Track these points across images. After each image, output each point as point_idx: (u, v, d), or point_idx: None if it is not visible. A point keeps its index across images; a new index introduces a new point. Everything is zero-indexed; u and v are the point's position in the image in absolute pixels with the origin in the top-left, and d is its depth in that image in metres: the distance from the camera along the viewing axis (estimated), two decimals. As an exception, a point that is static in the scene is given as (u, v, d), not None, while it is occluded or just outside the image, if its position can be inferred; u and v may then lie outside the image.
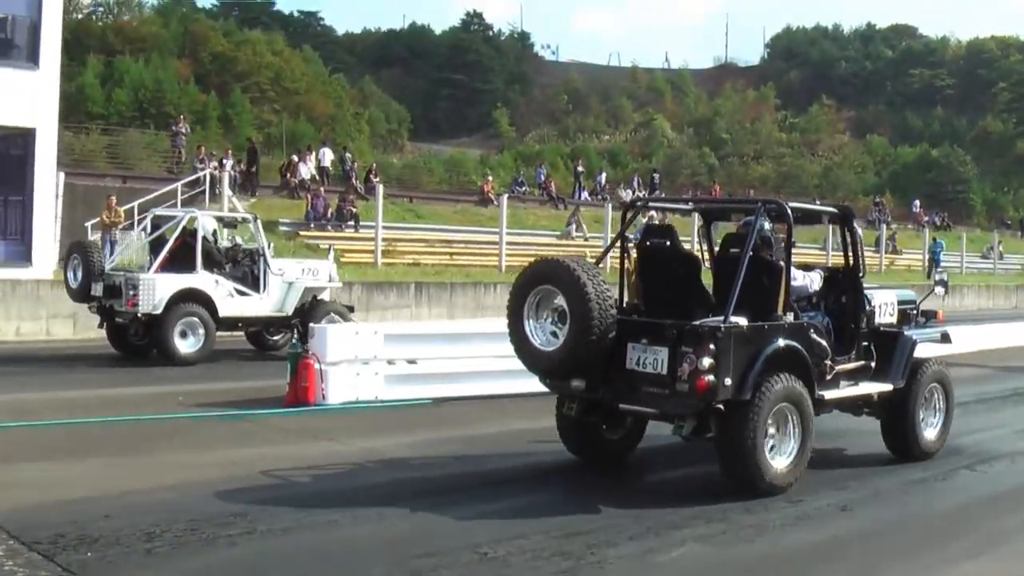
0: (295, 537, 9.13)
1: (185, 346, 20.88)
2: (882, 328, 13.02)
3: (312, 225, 37.55)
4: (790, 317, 11.56)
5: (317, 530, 9.30)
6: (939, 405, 13.43)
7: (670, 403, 10.85)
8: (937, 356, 13.64)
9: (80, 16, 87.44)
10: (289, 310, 22.27)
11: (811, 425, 11.35)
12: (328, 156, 49.04)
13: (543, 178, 57.84)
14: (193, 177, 39.08)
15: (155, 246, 22.00)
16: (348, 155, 51.36)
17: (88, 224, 32.76)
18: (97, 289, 21.28)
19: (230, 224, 24.23)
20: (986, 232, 74.34)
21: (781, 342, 11.07)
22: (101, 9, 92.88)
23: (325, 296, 23.31)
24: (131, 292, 20.56)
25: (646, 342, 10.91)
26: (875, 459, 13.24)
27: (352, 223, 38.62)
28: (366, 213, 38.05)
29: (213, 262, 21.88)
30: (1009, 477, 12.87)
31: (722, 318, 10.72)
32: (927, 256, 58.57)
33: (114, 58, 77.04)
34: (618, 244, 12.64)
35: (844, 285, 12.86)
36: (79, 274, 21.49)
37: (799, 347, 11.28)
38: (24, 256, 26.37)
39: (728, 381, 10.50)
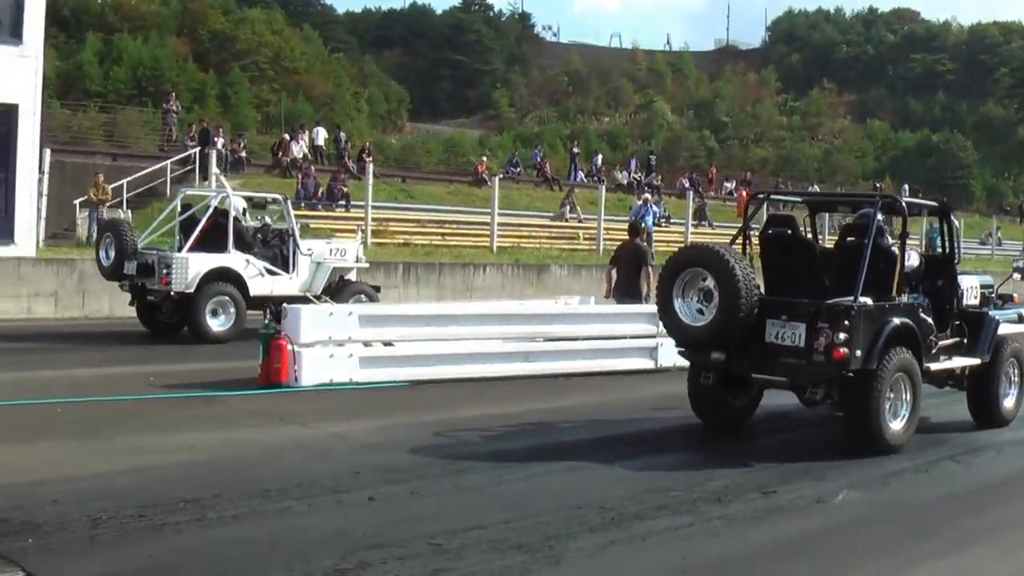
0: (246, 525, 8.86)
1: (216, 324, 21.02)
2: (969, 309, 14.62)
3: (302, 204, 37.17)
4: (904, 298, 13.44)
5: (269, 517, 9.04)
6: (1015, 378, 15.10)
7: (806, 372, 12.49)
8: (1012, 334, 15.08)
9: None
10: (318, 290, 22.40)
11: (920, 392, 12.98)
12: (322, 135, 48.86)
13: (539, 159, 57.55)
14: (183, 155, 38.88)
15: (185, 226, 22.15)
16: (343, 134, 51.08)
17: (76, 202, 32.55)
18: (130, 268, 21.37)
19: (259, 204, 24.38)
20: (985, 218, 74.01)
21: (898, 320, 12.68)
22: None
23: (352, 276, 23.44)
24: (164, 271, 20.72)
25: (785, 318, 12.50)
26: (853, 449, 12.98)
27: (343, 202, 38.34)
28: (357, 193, 37.73)
29: (244, 242, 21.98)
30: (993, 469, 12.67)
31: (852, 298, 12.31)
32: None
33: (113, 36, 76.62)
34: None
35: (940, 270, 14.60)
36: (111, 252, 21.64)
37: (912, 324, 12.91)
38: (7, 234, 26.04)
39: (858, 353, 12.12)
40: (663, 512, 9.66)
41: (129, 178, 34.67)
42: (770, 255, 13.98)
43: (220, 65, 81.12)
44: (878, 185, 79.94)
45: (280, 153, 43.77)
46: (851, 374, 12.27)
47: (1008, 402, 14.91)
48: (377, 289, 23.82)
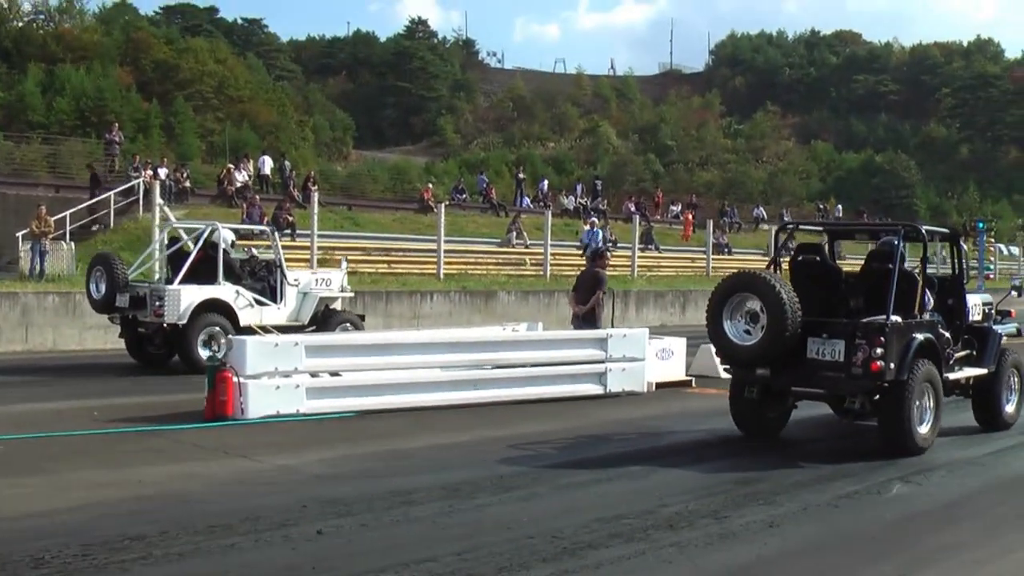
0: (191, 563, 8.69)
1: (208, 355, 20.76)
2: (975, 324, 16.37)
3: (248, 234, 36.99)
4: (926, 316, 14.84)
5: (215, 555, 8.88)
6: (1015, 386, 16.89)
7: (845, 384, 14.01)
8: (1011, 345, 17.12)
9: (21, 24, 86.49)
10: (305, 319, 22.94)
11: (942, 399, 14.64)
12: (268, 164, 48.64)
13: (485, 185, 57.50)
14: (127, 186, 38.58)
15: (173, 258, 22.43)
16: (287, 163, 50.90)
17: (19, 234, 32.23)
18: (122, 300, 21.71)
19: (246, 236, 25.06)
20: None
21: (922, 335, 14.20)
22: (42, 16, 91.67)
23: (337, 305, 24.05)
24: (157, 303, 21.03)
25: (825, 336, 13.93)
26: (807, 472, 13.09)
27: (288, 232, 38.11)
28: (303, 221, 37.54)
29: (233, 274, 22.39)
30: (945, 489, 12.62)
31: (884, 316, 13.82)
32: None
33: (55, 66, 76.01)
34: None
35: (950, 290, 16.09)
36: (103, 285, 21.96)
37: (934, 339, 14.45)
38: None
39: (892, 365, 13.63)
40: (615, 540, 9.57)
41: (72, 210, 34.37)
42: (799, 280, 15.00)
43: (164, 95, 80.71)
44: (822, 206, 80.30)
45: (225, 183, 43.51)
46: (885, 384, 13.81)
47: (1010, 408, 16.72)
48: (362, 318, 24.27)
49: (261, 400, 15.49)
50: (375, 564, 8.62)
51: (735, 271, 15.84)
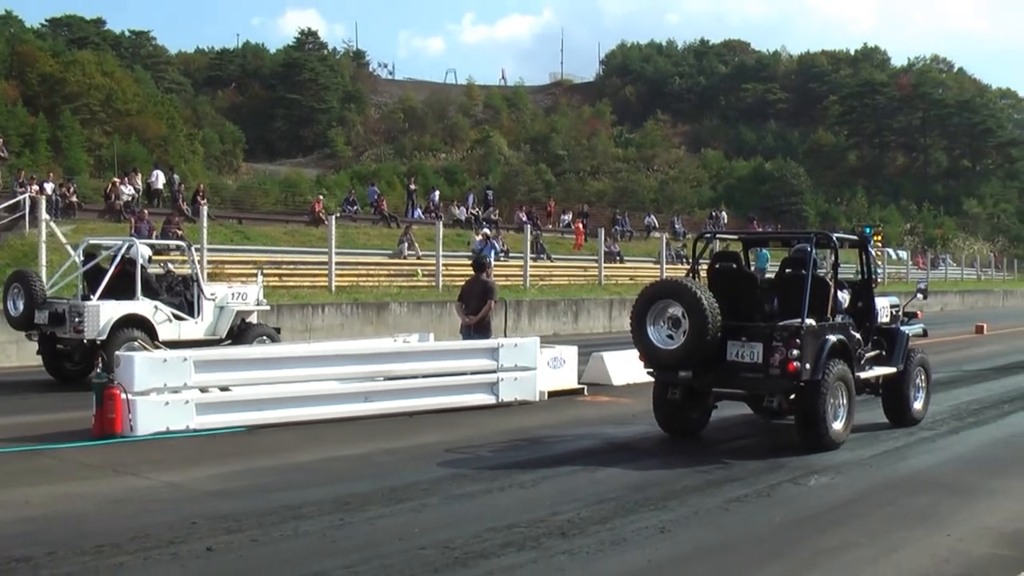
0: (78, 583, 8.59)
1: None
2: (883, 326, 17.24)
3: (136, 248, 36.57)
4: (837, 319, 15.69)
5: (103, 574, 8.78)
6: (922, 384, 17.96)
7: (764, 384, 14.83)
8: (917, 345, 18.21)
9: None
10: (222, 333, 22.84)
11: (854, 397, 15.57)
12: (161, 179, 48.13)
13: (376, 197, 57.31)
14: (12, 201, 38.01)
15: (90, 274, 22.27)
16: (176, 177, 50.46)
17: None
18: (41, 317, 21.65)
19: (161, 251, 25.13)
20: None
21: (834, 337, 15.05)
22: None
23: (253, 319, 23.97)
24: (76, 319, 20.91)
25: (744, 339, 14.75)
26: (697, 477, 13.18)
27: (177, 246, 37.77)
28: (193, 235, 37.10)
29: (151, 289, 22.29)
30: (833, 491, 12.78)
31: (799, 320, 14.52)
32: (753, 267, 59.19)
33: (-63, 80, 74.97)
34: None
35: (860, 294, 16.93)
36: (20, 303, 21.94)
37: (846, 340, 15.35)
38: None
39: (808, 366, 14.46)
40: (507, 549, 9.61)
41: (-45, 226, 33.91)
42: (718, 286, 15.62)
43: (51, 108, 79.90)
44: (714, 214, 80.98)
45: (112, 197, 43.02)
46: (801, 384, 14.58)
47: (917, 404, 17.80)
48: (278, 331, 24.23)
49: (150, 416, 15.32)
50: (263, 580, 8.56)
51: (657, 279, 17.23)
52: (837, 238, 16.59)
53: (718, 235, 19.96)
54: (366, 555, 9.33)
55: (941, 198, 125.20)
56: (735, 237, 19.89)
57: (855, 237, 18.32)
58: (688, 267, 17.01)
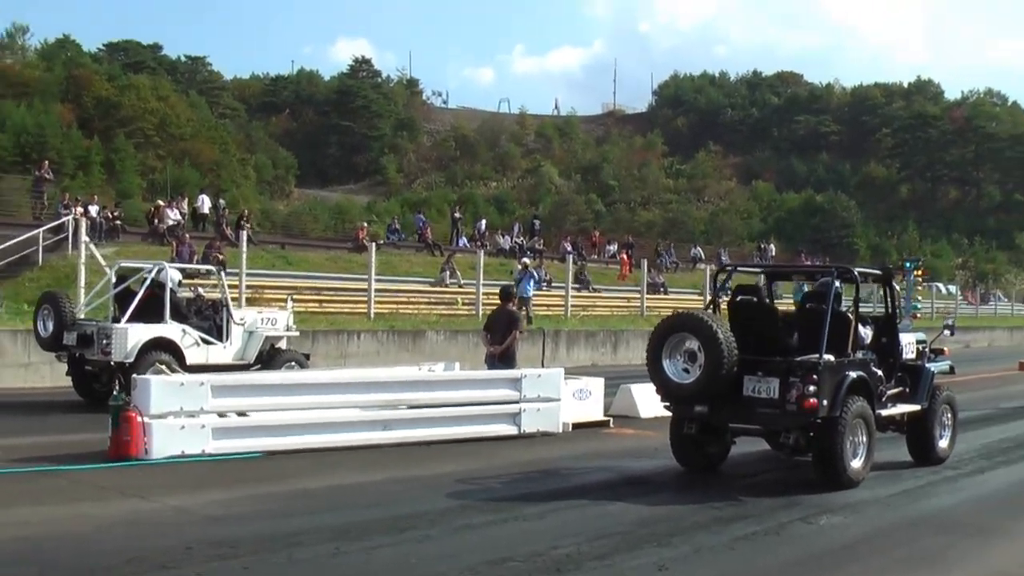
0: (65, 606, 8.61)
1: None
2: (908, 362, 16.81)
3: (177, 272, 36.78)
4: (858, 355, 15.40)
5: (92, 598, 8.80)
6: (948, 422, 17.53)
7: (780, 420, 14.57)
8: (944, 383, 17.79)
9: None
10: (251, 358, 22.98)
11: (875, 434, 15.24)
12: (207, 203, 48.49)
13: (422, 224, 57.45)
14: (56, 223, 38.33)
15: (121, 297, 22.42)
16: (221, 202, 50.83)
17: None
18: (69, 338, 21.74)
19: (192, 275, 25.30)
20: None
21: (854, 373, 14.79)
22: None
23: (283, 344, 24.07)
24: (104, 341, 21.06)
25: (760, 374, 14.44)
26: (708, 513, 13.03)
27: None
28: (234, 260, 37.35)
29: (180, 313, 22.46)
30: (844, 531, 12.59)
31: (817, 355, 14.30)
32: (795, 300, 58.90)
33: (-4, 102, 75.67)
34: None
35: (883, 329, 16.62)
36: (50, 324, 22.05)
37: (866, 376, 15.09)
38: None
39: (825, 402, 14.15)
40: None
41: (1, 246, 34.17)
42: (738, 319, 15.40)
43: (105, 132, 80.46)
44: (763, 246, 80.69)
45: (156, 220, 43.32)
46: (819, 421, 14.25)
47: (943, 443, 17.34)
48: (308, 357, 24.34)
49: (165, 440, 15.34)
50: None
51: (674, 311, 16.77)
52: (859, 272, 16.25)
53: (739, 268, 19.74)
54: (355, 585, 9.29)
55: (993, 232, 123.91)
56: (758, 270, 19.95)
57: (878, 271, 17.87)
58: (709, 301, 16.85)
